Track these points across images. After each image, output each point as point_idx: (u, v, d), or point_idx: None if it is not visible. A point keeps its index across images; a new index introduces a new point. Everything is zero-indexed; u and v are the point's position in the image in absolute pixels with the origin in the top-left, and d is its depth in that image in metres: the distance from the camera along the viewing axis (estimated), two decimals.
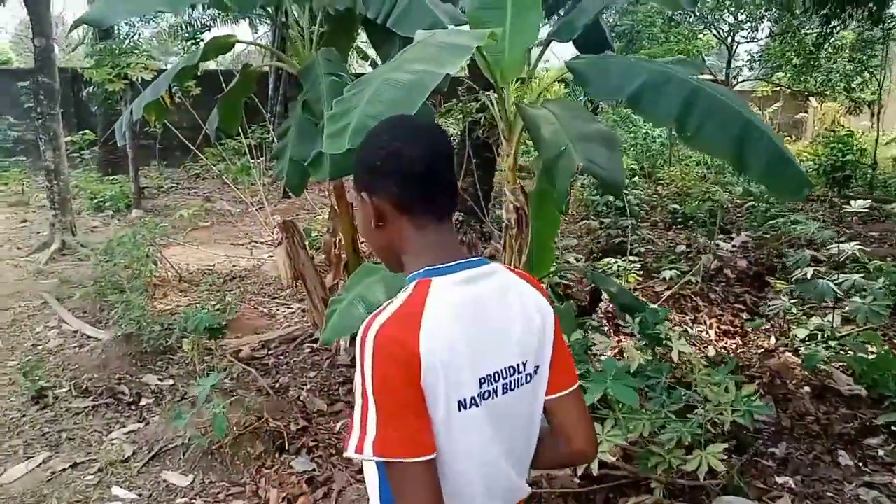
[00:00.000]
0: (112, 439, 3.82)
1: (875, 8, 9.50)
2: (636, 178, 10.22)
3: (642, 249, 7.15)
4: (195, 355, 4.34)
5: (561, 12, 3.46)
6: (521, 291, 1.27)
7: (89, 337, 5.30)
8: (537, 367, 1.27)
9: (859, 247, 4.49)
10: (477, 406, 1.16)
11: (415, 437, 1.09)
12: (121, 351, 4.84)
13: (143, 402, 4.25)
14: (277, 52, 4.61)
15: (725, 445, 2.59)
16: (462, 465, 1.17)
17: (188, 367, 4.67)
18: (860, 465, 3.25)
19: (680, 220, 8.86)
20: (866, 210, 4.48)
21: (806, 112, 20.92)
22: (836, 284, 4.24)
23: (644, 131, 12.97)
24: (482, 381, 1.17)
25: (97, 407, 4.18)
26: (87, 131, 12.63)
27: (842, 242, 4.52)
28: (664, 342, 2.85)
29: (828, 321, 4.52)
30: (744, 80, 17.98)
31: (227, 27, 20.56)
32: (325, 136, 2.38)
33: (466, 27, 3.26)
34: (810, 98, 18.62)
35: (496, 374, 1.19)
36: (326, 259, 4.93)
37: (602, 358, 2.79)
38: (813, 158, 10.74)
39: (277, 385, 4.29)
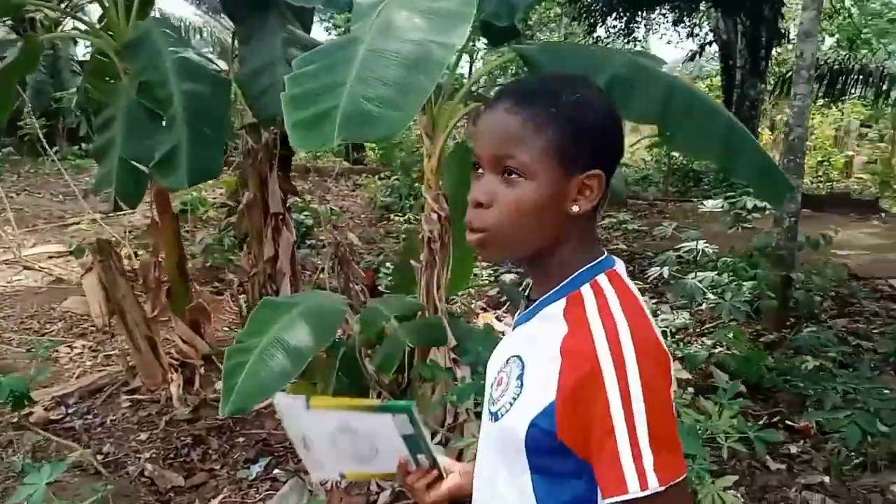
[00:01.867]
0: None
1: (627, 21, 10.49)
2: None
3: None
4: None
5: None
6: None
7: None
8: None
9: (709, 245, 4.67)
10: None
11: (681, 453, 0.90)
12: None
13: None
14: (89, 21, 3.49)
15: (735, 477, 2.34)
16: None
17: None
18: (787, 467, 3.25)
19: None
20: (720, 210, 4.68)
21: None
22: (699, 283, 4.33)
23: None
24: None
25: None
26: None
27: (694, 241, 4.64)
28: None
29: (686, 319, 4.63)
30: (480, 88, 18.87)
31: None
32: (293, 126, 1.69)
33: None
34: None
35: None
36: (143, 285, 3.90)
37: None
38: None
39: (105, 458, 3.23)
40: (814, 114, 13.25)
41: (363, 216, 10.04)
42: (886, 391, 3.39)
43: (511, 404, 0.95)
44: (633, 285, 1.00)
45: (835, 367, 4.04)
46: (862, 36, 19.57)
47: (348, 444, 1.14)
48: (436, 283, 2.93)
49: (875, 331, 5.16)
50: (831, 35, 17.46)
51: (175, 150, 2.89)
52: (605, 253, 1.02)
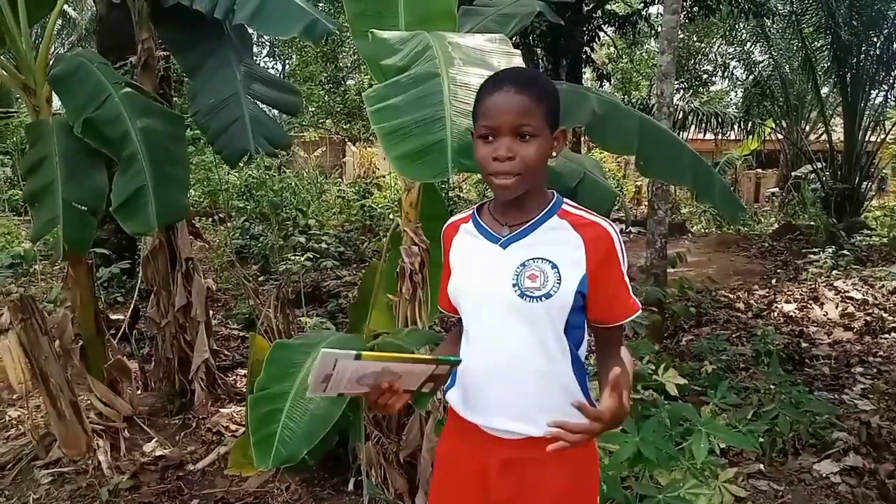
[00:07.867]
0: None
1: None
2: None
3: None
4: None
5: None
6: None
7: None
8: None
9: None
10: None
11: None
12: None
13: None
14: None
15: (735, 469, 2.60)
16: None
17: None
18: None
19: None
20: None
21: (345, 156, 22.25)
22: None
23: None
24: None
25: None
26: None
27: None
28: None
29: None
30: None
31: None
32: (399, 158, 1.72)
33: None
34: (349, 143, 20.45)
35: None
36: (59, 345, 3.48)
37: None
38: None
39: None
40: None
41: (216, 261, 9.55)
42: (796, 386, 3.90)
43: (558, 284, 1.38)
44: None
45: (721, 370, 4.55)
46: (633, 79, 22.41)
47: (373, 379, 1.29)
48: (418, 314, 2.96)
49: (735, 336, 5.88)
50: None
51: (139, 192, 2.69)
52: None
